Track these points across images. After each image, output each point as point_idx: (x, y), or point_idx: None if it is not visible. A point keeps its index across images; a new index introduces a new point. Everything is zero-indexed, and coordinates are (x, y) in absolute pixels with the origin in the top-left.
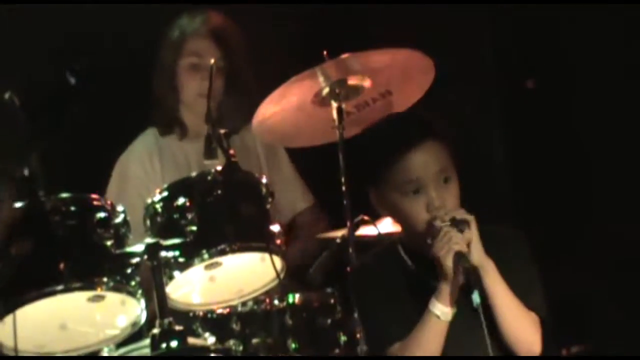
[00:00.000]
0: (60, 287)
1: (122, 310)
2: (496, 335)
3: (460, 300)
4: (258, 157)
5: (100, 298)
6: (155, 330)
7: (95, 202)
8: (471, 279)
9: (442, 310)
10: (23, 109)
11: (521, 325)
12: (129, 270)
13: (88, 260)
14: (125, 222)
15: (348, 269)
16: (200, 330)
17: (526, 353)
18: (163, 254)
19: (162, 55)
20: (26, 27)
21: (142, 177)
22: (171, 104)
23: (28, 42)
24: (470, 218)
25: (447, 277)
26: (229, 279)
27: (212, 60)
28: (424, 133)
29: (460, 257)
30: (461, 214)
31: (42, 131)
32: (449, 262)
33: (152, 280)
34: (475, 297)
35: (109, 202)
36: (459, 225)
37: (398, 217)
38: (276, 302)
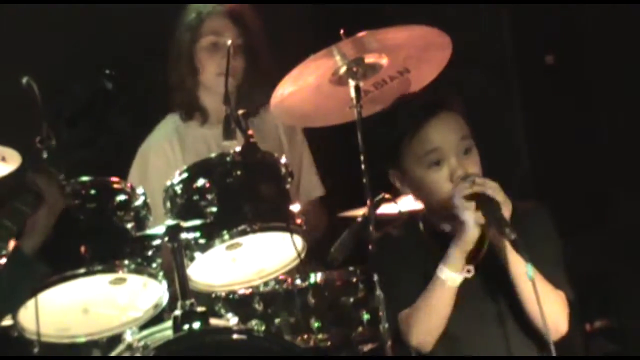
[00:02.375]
0: (81, 271)
1: (144, 293)
2: (518, 310)
3: (482, 268)
4: (279, 138)
5: (121, 281)
6: (177, 312)
7: (115, 185)
8: (519, 248)
9: (448, 275)
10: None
11: (549, 304)
12: (149, 253)
13: (109, 243)
14: (145, 204)
15: (370, 245)
16: (222, 311)
17: (554, 332)
18: (183, 235)
19: (179, 38)
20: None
21: (163, 167)
22: (190, 87)
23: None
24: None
25: (461, 236)
26: (250, 259)
27: (229, 41)
28: (440, 104)
29: (490, 206)
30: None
31: (83, 139)
32: (468, 212)
33: (173, 261)
34: (529, 270)
35: (128, 184)
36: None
37: (421, 192)
38: (298, 281)
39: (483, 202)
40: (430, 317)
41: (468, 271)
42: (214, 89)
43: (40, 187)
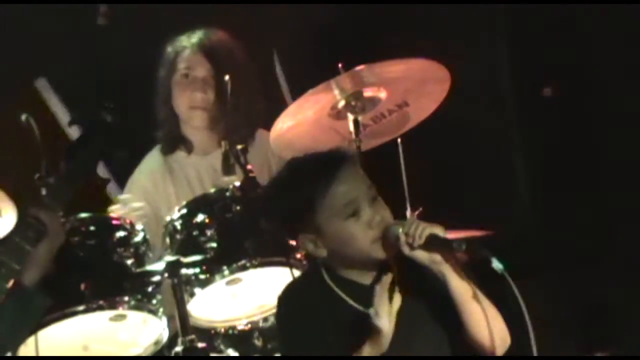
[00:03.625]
0: (81, 308)
1: (144, 329)
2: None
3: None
4: (270, 167)
5: (122, 317)
6: (178, 348)
7: (114, 222)
8: (477, 250)
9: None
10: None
11: (497, 319)
12: (149, 289)
13: (109, 279)
14: (144, 240)
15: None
16: (222, 347)
17: (503, 346)
18: (184, 271)
19: (158, 74)
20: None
21: (150, 189)
22: (171, 121)
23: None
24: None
25: (375, 341)
26: (250, 295)
27: (227, 77)
28: (339, 159)
29: (435, 240)
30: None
31: (80, 171)
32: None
33: (173, 297)
34: (497, 263)
35: (127, 220)
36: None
37: (342, 243)
38: None
39: (429, 243)
40: None
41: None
42: (188, 121)
43: (42, 221)
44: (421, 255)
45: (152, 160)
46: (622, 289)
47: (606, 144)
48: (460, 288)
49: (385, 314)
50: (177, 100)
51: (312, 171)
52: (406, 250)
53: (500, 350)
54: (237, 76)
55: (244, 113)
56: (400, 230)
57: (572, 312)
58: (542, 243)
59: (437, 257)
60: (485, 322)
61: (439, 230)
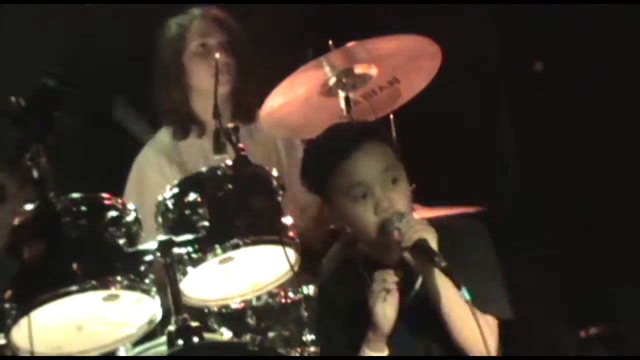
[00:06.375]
0: (74, 288)
1: (137, 309)
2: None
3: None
4: (277, 146)
5: (114, 297)
6: (171, 327)
7: (106, 201)
8: (451, 275)
9: (369, 356)
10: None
11: (472, 332)
12: (142, 268)
13: (101, 259)
14: (136, 220)
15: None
16: (215, 325)
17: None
18: (176, 250)
19: (163, 54)
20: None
21: (160, 181)
22: (182, 103)
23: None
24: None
25: (375, 324)
26: (243, 273)
27: (217, 54)
28: (362, 135)
29: (421, 247)
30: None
31: (30, 136)
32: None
33: (165, 277)
34: (465, 293)
35: (119, 200)
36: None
37: (351, 225)
38: (291, 294)
39: (415, 247)
40: None
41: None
42: (210, 92)
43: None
44: (407, 257)
45: (160, 143)
46: (615, 264)
47: (595, 118)
48: (446, 289)
49: (381, 300)
50: (195, 72)
51: (332, 144)
52: (397, 247)
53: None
54: (247, 42)
55: (258, 81)
56: (396, 225)
57: (562, 288)
58: (532, 217)
59: (420, 264)
60: (467, 332)
61: (429, 237)
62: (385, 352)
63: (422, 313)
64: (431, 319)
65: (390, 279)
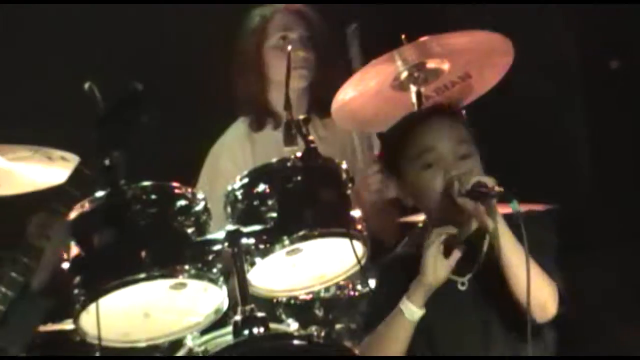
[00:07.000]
0: (142, 276)
1: (204, 298)
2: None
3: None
4: (353, 139)
5: (182, 286)
6: (238, 317)
7: (175, 190)
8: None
9: (408, 308)
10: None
11: (539, 285)
12: (210, 258)
13: (169, 248)
14: (205, 209)
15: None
16: (283, 316)
17: (540, 312)
18: (244, 240)
19: (244, 44)
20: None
21: (233, 171)
22: (260, 94)
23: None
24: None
25: (421, 274)
26: (310, 265)
27: (289, 47)
28: (437, 110)
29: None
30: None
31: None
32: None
33: (233, 267)
34: (515, 205)
35: (189, 189)
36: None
37: (419, 196)
38: (359, 287)
39: (473, 190)
40: (383, 348)
41: (462, 284)
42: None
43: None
44: (469, 205)
45: (236, 133)
46: None
47: None
48: (505, 248)
49: (434, 250)
50: (274, 66)
51: (406, 118)
52: (457, 197)
53: (539, 315)
54: (327, 36)
55: (338, 75)
56: (454, 173)
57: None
58: (603, 218)
59: (481, 208)
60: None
61: (487, 180)
62: (421, 312)
63: (485, 288)
64: (494, 295)
65: (450, 231)
